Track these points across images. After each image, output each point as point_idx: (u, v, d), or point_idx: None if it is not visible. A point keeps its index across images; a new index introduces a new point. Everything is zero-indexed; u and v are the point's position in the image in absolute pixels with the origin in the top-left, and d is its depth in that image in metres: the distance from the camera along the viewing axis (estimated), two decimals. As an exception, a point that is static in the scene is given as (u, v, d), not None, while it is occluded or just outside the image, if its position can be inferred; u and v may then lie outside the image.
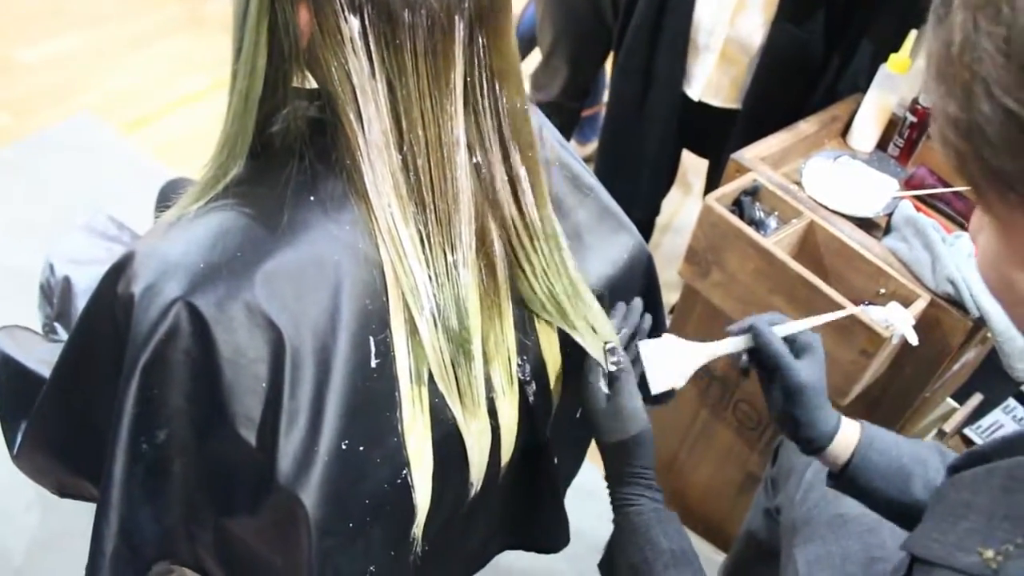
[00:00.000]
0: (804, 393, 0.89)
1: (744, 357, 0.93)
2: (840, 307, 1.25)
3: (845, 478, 0.93)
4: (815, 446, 0.92)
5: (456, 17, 0.68)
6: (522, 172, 0.78)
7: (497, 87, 0.74)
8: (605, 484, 0.89)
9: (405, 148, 0.70)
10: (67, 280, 1.29)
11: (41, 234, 1.70)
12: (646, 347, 0.90)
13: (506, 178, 0.78)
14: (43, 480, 0.95)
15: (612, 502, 0.87)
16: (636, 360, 0.90)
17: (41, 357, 1.03)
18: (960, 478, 0.69)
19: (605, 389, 0.86)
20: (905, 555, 0.69)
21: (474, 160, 0.76)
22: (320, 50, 0.68)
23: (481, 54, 0.72)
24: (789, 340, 0.90)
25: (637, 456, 0.85)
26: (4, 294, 1.78)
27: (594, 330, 0.86)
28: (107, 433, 0.73)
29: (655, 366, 0.90)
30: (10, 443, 0.97)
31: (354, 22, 0.66)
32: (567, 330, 0.85)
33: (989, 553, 0.57)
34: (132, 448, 0.73)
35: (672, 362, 0.90)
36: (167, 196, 1.36)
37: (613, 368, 0.86)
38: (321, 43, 0.67)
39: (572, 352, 0.89)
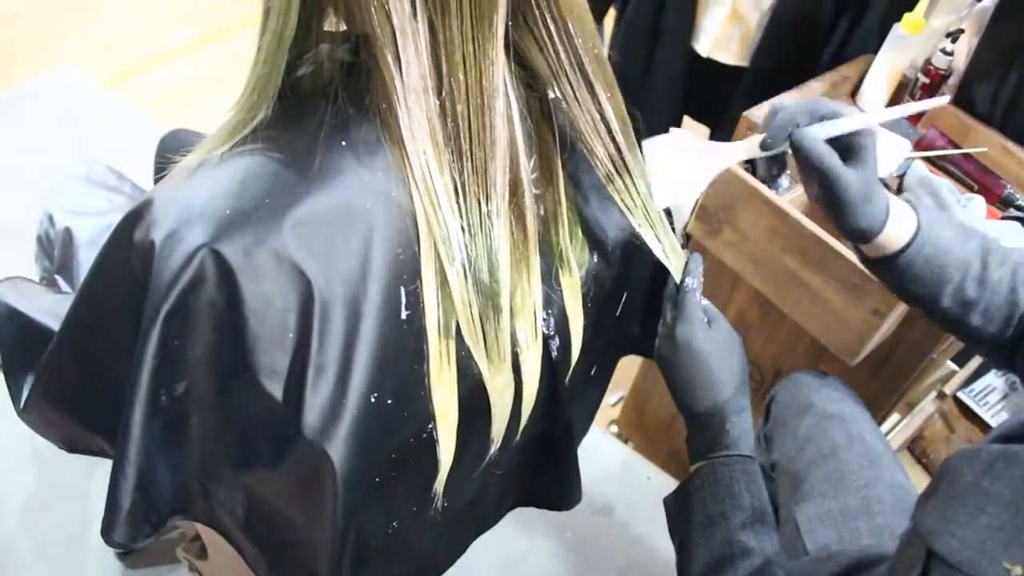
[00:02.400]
0: (852, 201, 0.83)
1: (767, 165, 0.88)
2: (853, 267, 1.23)
3: (880, 269, 0.91)
4: (859, 240, 0.88)
5: None
6: (610, 111, 0.76)
7: (571, 27, 0.72)
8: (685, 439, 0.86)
9: (444, 93, 0.67)
10: (68, 231, 1.26)
11: (29, 186, 1.66)
12: (650, 145, 0.83)
13: (598, 116, 0.76)
14: (52, 434, 0.93)
15: (689, 441, 0.85)
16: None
17: (46, 308, 1.00)
18: (980, 453, 0.63)
19: (704, 321, 0.84)
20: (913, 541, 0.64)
21: (552, 96, 0.74)
22: None
23: None
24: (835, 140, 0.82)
25: (738, 389, 0.83)
26: (-3, 248, 1.74)
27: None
28: (123, 386, 0.71)
29: (661, 169, 0.83)
30: (15, 396, 0.95)
31: None
32: (654, 248, 0.84)
33: (1018, 570, 0.54)
34: (151, 401, 0.71)
35: (681, 165, 0.83)
36: (169, 147, 1.32)
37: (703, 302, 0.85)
38: None
39: (593, 305, 0.88)
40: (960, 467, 0.63)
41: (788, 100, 1.54)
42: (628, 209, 0.81)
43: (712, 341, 0.84)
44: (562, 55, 0.73)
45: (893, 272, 0.90)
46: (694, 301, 0.85)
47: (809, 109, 0.83)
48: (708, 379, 0.83)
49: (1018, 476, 0.58)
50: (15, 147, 2.37)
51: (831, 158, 0.81)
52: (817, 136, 0.81)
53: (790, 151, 0.84)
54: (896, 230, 0.87)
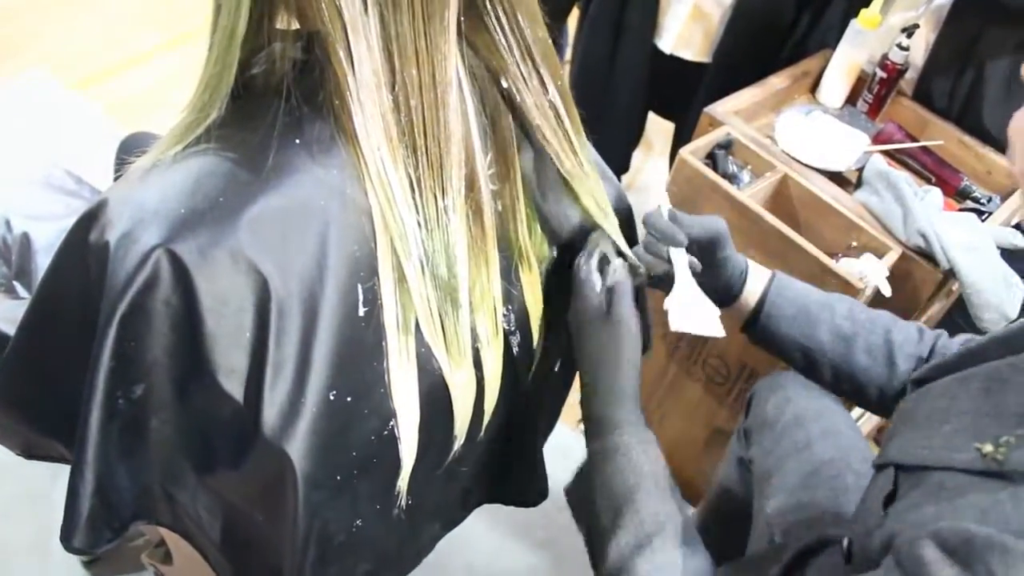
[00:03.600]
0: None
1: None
2: (814, 259, 1.25)
3: (756, 327, 0.97)
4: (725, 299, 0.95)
5: None
6: (558, 99, 0.78)
7: (519, 18, 0.73)
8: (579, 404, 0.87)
9: (397, 88, 0.67)
10: (26, 236, 1.24)
11: (-9, 192, 1.65)
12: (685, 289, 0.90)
13: (545, 104, 0.78)
14: (9, 441, 0.91)
15: (589, 422, 0.85)
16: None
17: (2, 314, 0.98)
18: (930, 388, 0.72)
19: (602, 300, 0.84)
20: (881, 472, 0.70)
21: (504, 85, 0.75)
22: None
23: None
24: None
25: (625, 372, 0.83)
26: (-45, 254, 1.72)
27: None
28: (80, 390, 0.70)
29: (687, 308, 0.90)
30: (-29, 403, 0.94)
31: None
32: (607, 227, 0.87)
33: (988, 447, 0.58)
34: (108, 404, 0.70)
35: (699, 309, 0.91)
36: (128, 150, 1.31)
37: (611, 282, 0.85)
38: None
39: (554, 301, 0.88)
40: (914, 406, 0.71)
41: (749, 98, 1.56)
42: (581, 192, 0.83)
43: (592, 329, 0.85)
44: (513, 46, 0.74)
45: (768, 321, 0.97)
46: (589, 283, 0.85)
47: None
48: (592, 360, 0.85)
49: (976, 390, 0.66)
50: (-21, 150, 2.34)
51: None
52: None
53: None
54: (756, 279, 0.98)
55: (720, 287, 0.96)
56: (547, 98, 0.78)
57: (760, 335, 0.99)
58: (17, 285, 1.26)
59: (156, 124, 1.48)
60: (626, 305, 0.84)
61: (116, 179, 0.88)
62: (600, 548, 0.79)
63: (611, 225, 0.87)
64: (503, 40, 0.74)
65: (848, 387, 1.00)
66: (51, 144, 2.36)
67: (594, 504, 0.82)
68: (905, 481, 0.66)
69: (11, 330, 0.87)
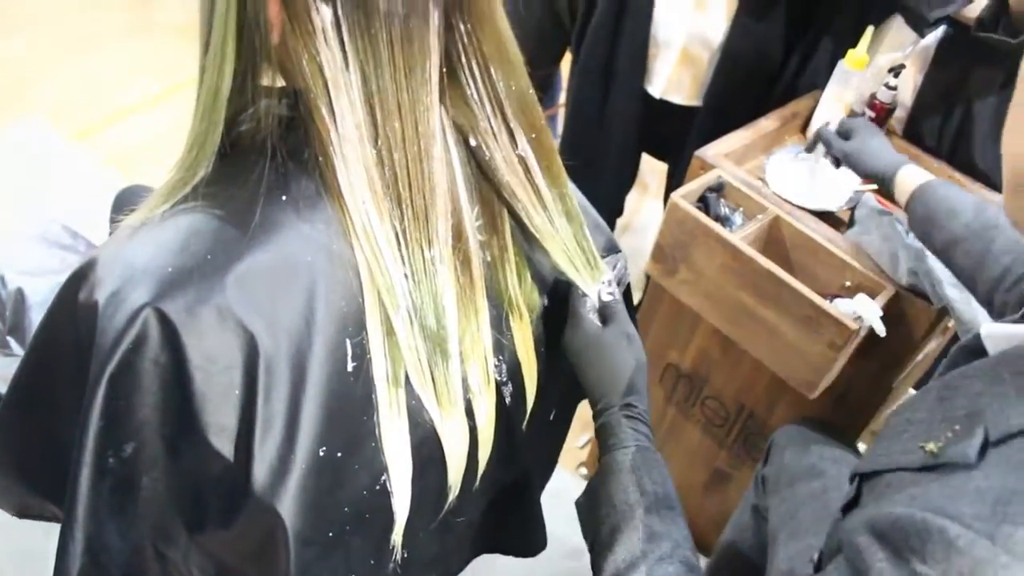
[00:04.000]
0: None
1: None
2: (807, 300, 1.25)
3: (912, 204, 1.21)
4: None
5: (431, 4, 0.66)
6: (530, 152, 0.78)
7: (492, 71, 0.73)
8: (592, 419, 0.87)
9: (380, 142, 0.68)
10: (20, 292, 1.24)
11: (-11, 246, 1.66)
12: None
13: (514, 159, 0.78)
14: (1, 501, 0.91)
15: (598, 437, 0.86)
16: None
17: (-5, 372, 0.99)
18: (900, 405, 0.79)
19: (596, 320, 0.86)
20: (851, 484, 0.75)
21: (472, 143, 0.75)
22: (291, 42, 0.65)
23: (466, 40, 0.71)
24: None
25: (629, 388, 0.84)
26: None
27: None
28: (71, 449, 0.70)
29: None
30: (-37, 463, 0.93)
31: (326, 11, 0.64)
32: (581, 285, 0.86)
33: (930, 446, 0.63)
34: (98, 462, 0.70)
35: None
36: (123, 203, 1.31)
37: (608, 299, 0.86)
38: (292, 34, 0.65)
39: (546, 348, 0.88)
40: (887, 420, 0.77)
41: (739, 141, 1.57)
42: (549, 248, 0.83)
43: (590, 343, 0.86)
44: (484, 100, 0.75)
45: (920, 200, 1.19)
46: (585, 304, 0.87)
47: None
48: (598, 376, 0.86)
49: (932, 399, 0.72)
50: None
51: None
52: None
53: None
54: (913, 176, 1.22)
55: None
56: (516, 152, 0.78)
57: (917, 208, 1.19)
58: (11, 341, 1.26)
59: (154, 174, 1.49)
60: (622, 318, 0.86)
61: (110, 235, 0.89)
62: (598, 562, 0.80)
63: (585, 280, 0.87)
64: (475, 94, 0.74)
65: (985, 277, 1.10)
66: (48, 195, 2.37)
67: (597, 517, 0.82)
68: (866, 488, 0.71)
69: (2, 388, 0.87)
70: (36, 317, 1.24)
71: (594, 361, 0.85)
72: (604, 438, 0.84)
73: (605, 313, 0.87)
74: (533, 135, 0.79)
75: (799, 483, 1.25)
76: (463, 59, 0.72)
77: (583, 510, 0.86)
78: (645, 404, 0.85)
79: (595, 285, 0.87)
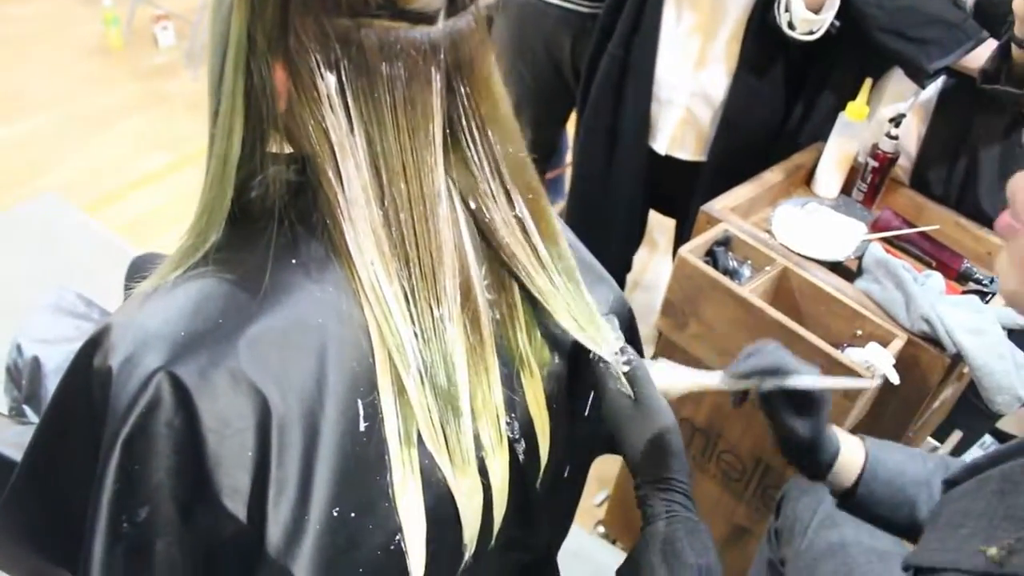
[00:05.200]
0: (802, 444, 0.91)
1: (736, 396, 0.93)
2: (821, 352, 1.25)
3: (849, 505, 0.96)
4: (814, 477, 0.95)
5: (433, 68, 0.68)
6: (527, 213, 0.79)
7: (490, 134, 0.75)
8: (636, 492, 0.86)
9: (386, 203, 0.69)
10: (36, 360, 1.26)
11: (5, 317, 1.67)
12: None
13: (512, 220, 0.78)
14: (15, 569, 0.91)
15: (641, 508, 0.85)
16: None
17: (10, 439, 0.99)
18: (955, 491, 0.75)
19: (626, 390, 0.85)
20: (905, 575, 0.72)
21: (472, 206, 0.76)
22: (297, 108, 0.67)
23: (466, 103, 0.72)
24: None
25: (668, 457, 0.83)
26: (-31, 380, 1.73)
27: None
28: (85, 516, 0.70)
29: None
30: (-23, 533, 0.93)
31: (331, 79, 0.66)
32: (588, 343, 0.84)
33: (993, 551, 0.61)
34: (112, 528, 0.70)
35: (665, 380, 0.90)
36: (137, 271, 1.33)
37: (627, 368, 0.85)
38: (298, 101, 0.67)
39: (558, 405, 0.88)
40: (940, 509, 0.75)
41: (745, 194, 1.58)
42: (552, 308, 0.82)
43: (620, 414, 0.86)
44: (483, 162, 0.76)
45: (861, 500, 0.96)
46: (608, 376, 0.86)
47: (774, 364, 0.91)
48: (633, 449, 0.85)
49: (991, 492, 0.68)
50: (-3, 275, 2.39)
51: (788, 415, 0.92)
52: (778, 394, 0.91)
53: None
54: (849, 461, 0.95)
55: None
56: (514, 214, 0.79)
57: (853, 510, 0.99)
58: (27, 409, 1.27)
59: (166, 243, 1.52)
60: (648, 387, 0.85)
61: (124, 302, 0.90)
62: None
63: (591, 337, 0.86)
64: (474, 156, 0.75)
65: None
66: (63, 266, 2.41)
67: None
68: None
69: (18, 456, 0.88)
70: (51, 385, 1.25)
71: (628, 436, 0.85)
72: (644, 509, 0.84)
73: (630, 382, 0.86)
74: (529, 196, 0.80)
75: (817, 537, 1.23)
76: (463, 121, 0.73)
77: None
78: (683, 473, 0.84)
79: (605, 345, 0.87)
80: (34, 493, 0.81)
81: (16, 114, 3.25)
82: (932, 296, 1.32)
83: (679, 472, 0.84)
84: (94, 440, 0.69)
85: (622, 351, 0.86)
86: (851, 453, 0.95)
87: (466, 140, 0.74)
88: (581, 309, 0.85)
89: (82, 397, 0.70)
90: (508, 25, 2.02)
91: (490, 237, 0.78)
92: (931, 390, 1.34)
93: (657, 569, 0.80)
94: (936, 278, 1.38)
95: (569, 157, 2.62)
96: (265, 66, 0.66)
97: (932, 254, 1.53)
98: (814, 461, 0.95)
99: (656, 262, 2.79)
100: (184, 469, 0.68)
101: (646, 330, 1.62)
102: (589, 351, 0.87)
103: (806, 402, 0.91)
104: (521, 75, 2.18)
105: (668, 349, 1.61)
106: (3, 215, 2.66)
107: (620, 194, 1.91)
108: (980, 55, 1.48)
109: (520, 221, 0.80)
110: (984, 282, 1.48)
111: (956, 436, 1.82)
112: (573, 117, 2.11)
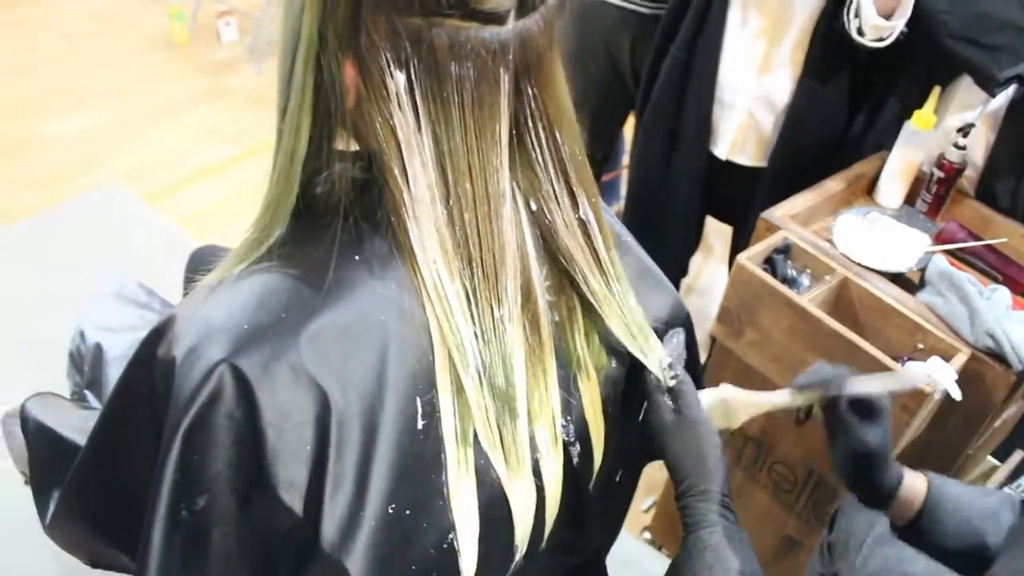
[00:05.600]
0: (868, 457, 0.89)
1: (800, 412, 0.92)
2: (880, 363, 1.23)
3: (912, 535, 0.93)
4: (875, 504, 0.92)
5: (501, 69, 0.68)
6: (591, 216, 0.78)
7: (557, 135, 0.75)
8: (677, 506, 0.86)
9: (451, 202, 0.69)
10: (99, 347, 1.28)
11: (70, 305, 1.72)
12: (703, 395, 0.89)
13: (575, 222, 0.78)
14: (76, 550, 0.93)
15: (683, 520, 0.85)
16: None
17: (74, 424, 1.01)
18: None
19: (670, 403, 0.85)
20: None
21: (533, 208, 0.76)
22: (365, 106, 0.68)
23: (533, 104, 0.72)
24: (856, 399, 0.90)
25: (709, 469, 0.83)
26: (34, 364, 1.78)
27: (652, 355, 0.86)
28: (144, 502, 0.71)
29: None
30: (42, 513, 0.95)
31: (400, 77, 0.66)
32: (636, 352, 0.84)
33: None
34: (171, 515, 0.71)
35: (735, 401, 0.91)
36: (198, 262, 1.35)
37: (672, 383, 0.85)
38: (366, 99, 0.67)
39: (614, 409, 0.88)
40: (1020, 530, 0.77)
41: (805, 203, 1.56)
42: (605, 313, 0.82)
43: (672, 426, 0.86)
44: (549, 163, 0.75)
45: (925, 530, 0.92)
46: (655, 389, 0.86)
47: (836, 373, 0.91)
48: (676, 461, 0.85)
49: None
50: (60, 263, 2.44)
51: (853, 423, 0.90)
52: (842, 405, 0.90)
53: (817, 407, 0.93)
54: (911, 487, 0.93)
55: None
56: (577, 215, 0.79)
57: (915, 541, 0.95)
58: (88, 394, 1.30)
59: (225, 235, 1.54)
60: (692, 402, 0.85)
61: (185, 294, 0.92)
62: None
63: (639, 347, 0.85)
64: (539, 157, 0.75)
65: None
66: (125, 256, 2.45)
67: None
68: None
69: (81, 440, 0.90)
70: (113, 372, 1.28)
71: (670, 447, 0.85)
72: (685, 519, 0.84)
73: (674, 396, 0.86)
74: (594, 199, 0.80)
75: (873, 553, 1.21)
76: (530, 123, 0.73)
77: None
78: (724, 485, 0.84)
79: (652, 355, 0.86)
80: (96, 478, 0.83)
81: (82, 107, 3.33)
82: (998, 311, 1.29)
83: (720, 483, 0.83)
84: (156, 428, 0.70)
85: (670, 367, 0.86)
86: (913, 480, 0.93)
87: (532, 141, 0.74)
88: (634, 317, 0.85)
89: (145, 386, 0.72)
90: (569, 25, 2.01)
91: (550, 239, 0.78)
92: (994, 407, 1.31)
93: None
94: (1002, 292, 1.34)
95: (626, 160, 2.60)
96: (335, 63, 0.66)
97: (998, 268, 1.49)
98: (879, 482, 0.92)
99: (711, 268, 2.76)
100: (243, 461, 0.69)
101: (699, 336, 1.61)
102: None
103: (870, 409, 0.90)
104: (580, 75, 2.17)
105: (722, 356, 1.59)
106: (67, 205, 2.72)
107: (678, 198, 1.89)
108: (1053, 64, 1.44)
109: (583, 224, 0.79)
110: (1052, 298, 1.44)
111: (1018, 455, 1.78)
112: (631, 120, 2.09)
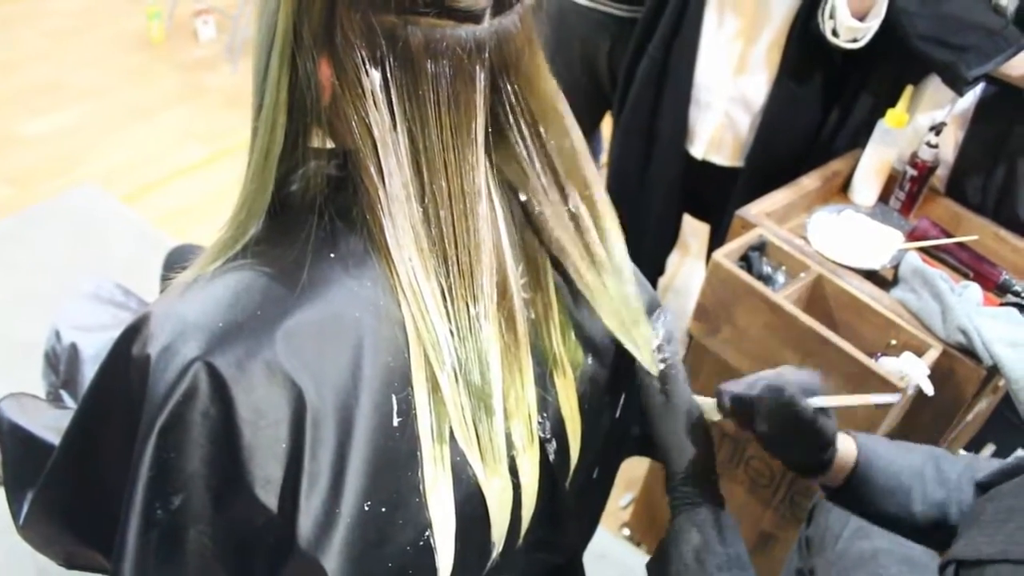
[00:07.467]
0: (784, 444, 0.89)
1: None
2: (852, 359, 1.24)
3: (842, 497, 0.93)
4: (811, 474, 0.92)
5: (477, 67, 0.68)
6: (583, 210, 0.79)
7: (541, 130, 0.75)
8: (665, 489, 0.87)
9: (427, 200, 0.70)
10: (74, 347, 1.28)
11: (45, 304, 1.71)
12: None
13: (565, 215, 0.79)
14: (51, 551, 0.92)
15: (670, 503, 0.86)
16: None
17: (48, 423, 1.00)
18: (999, 490, 0.76)
19: (658, 385, 0.86)
20: (943, 572, 0.73)
21: (522, 198, 0.76)
22: (340, 104, 0.68)
23: (514, 100, 0.72)
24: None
25: (697, 453, 0.84)
26: (9, 365, 1.77)
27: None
28: (119, 501, 0.71)
29: None
30: (15, 513, 0.94)
31: (375, 75, 0.66)
32: (628, 345, 0.85)
33: None
34: (146, 513, 0.70)
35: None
36: (174, 261, 1.35)
37: (662, 366, 0.86)
38: (342, 97, 0.67)
39: (590, 406, 0.88)
40: (980, 508, 0.76)
41: (781, 200, 1.57)
42: (598, 305, 0.83)
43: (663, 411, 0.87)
44: (535, 157, 0.76)
45: (856, 489, 0.92)
46: (646, 375, 0.87)
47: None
48: (665, 448, 0.86)
49: None
50: (35, 263, 2.43)
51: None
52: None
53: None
54: (845, 450, 0.91)
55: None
56: (567, 208, 0.79)
57: (845, 504, 0.95)
58: (64, 394, 1.29)
59: (202, 234, 1.54)
60: (680, 387, 0.86)
61: (161, 292, 0.91)
62: None
63: (632, 339, 0.86)
64: (523, 152, 0.75)
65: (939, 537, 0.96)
66: (101, 256, 2.44)
67: (669, 574, 0.83)
68: (965, 574, 0.69)
69: (56, 439, 0.89)
70: (89, 371, 1.27)
71: (657, 430, 0.86)
72: (673, 502, 0.86)
73: (664, 381, 0.87)
74: (586, 191, 0.80)
75: (848, 547, 1.22)
76: (511, 119, 0.73)
77: (653, 571, 0.87)
78: (712, 470, 0.85)
79: (645, 347, 0.87)
80: (70, 476, 0.82)
81: (57, 105, 3.30)
82: (969, 307, 1.31)
83: (708, 468, 0.85)
84: (131, 426, 0.70)
85: (659, 349, 0.87)
86: (845, 442, 0.92)
87: (515, 137, 0.74)
88: (628, 309, 0.86)
89: (120, 384, 0.71)
90: (547, 23, 2.01)
91: (539, 229, 0.79)
92: (965, 402, 1.33)
93: (686, 558, 0.80)
94: (973, 289, 1.36)
95: (604, 158, 2.61)
96: (310, 61, 0.66)
97: (970, 265, 1.51)
98: (809, 457, 0.90)
99: (688, 266, 2.77)
100: (218, 459, 0.69)
101: (677, 333, 1.62)
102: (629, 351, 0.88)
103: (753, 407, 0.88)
104: (556, 77, 2.17)
105: (699, 353, 1.60)
106: (44, 204, 2.70)
107: (655, 197, 1.90)
108: (1020, 63, 1.46)
109: (574, 216, 0.80)
110: (1023, 294, 1.46)
111: (989, 449, 1.80)
112: (608, 119, 2.10)
